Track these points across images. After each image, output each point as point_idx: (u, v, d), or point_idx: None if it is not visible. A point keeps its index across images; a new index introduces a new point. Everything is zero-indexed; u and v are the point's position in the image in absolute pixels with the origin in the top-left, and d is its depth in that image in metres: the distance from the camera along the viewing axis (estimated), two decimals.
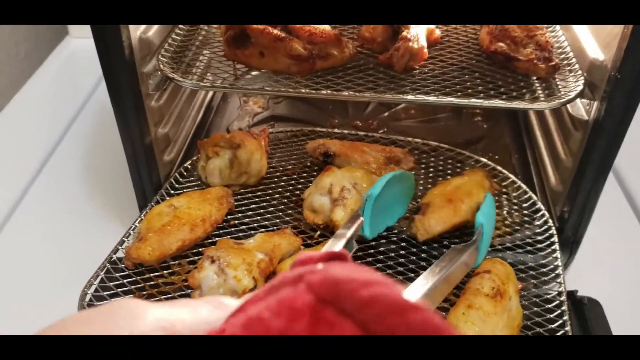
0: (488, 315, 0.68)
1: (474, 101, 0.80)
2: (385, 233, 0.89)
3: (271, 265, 0.76)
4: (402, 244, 0.88)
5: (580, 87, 0.83)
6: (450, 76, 0.87)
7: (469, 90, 0.83)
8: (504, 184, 1.01)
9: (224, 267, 0.71)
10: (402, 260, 0.85)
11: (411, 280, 0.80)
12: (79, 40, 1.60)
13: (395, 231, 0.90)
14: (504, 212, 0.96)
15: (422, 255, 0.86)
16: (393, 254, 0.86)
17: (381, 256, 0.85)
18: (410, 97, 0.81)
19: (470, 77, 0.87)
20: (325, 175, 0.88)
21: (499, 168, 1.04)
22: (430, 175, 1.03)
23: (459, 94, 0.82)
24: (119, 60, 0.80)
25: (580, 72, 0.86)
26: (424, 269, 0.82)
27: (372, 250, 0.86)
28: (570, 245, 0.92)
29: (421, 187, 1.00)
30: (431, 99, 0.80)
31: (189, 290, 0.76)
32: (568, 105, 0.90)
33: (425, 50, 0.86)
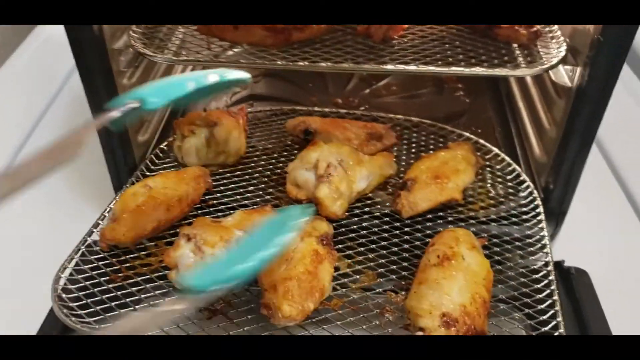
0: (438, 284, 0.66)
1: (454, 69, 0.78)
2: (368, 209, 0.87)
3: None
4: (385, 218, 0.86)
5: (563, 53, 0.81)
6: (430, 46, 0.85)
7: (450, 59, 0.81)
8: (487, 157, 0.99)
9: (200, 245, 0.68)
10: (386, 235, 0.83)
11: (390, 258, 0.78)
12: (51, 27, 1.55)
13: (378, 206, 0.88)
14: (488, 185, 0.94)
15: (406, 229, 0.84)
16: (376, 229, 0.84)
17: (364, 231, 0.83)
18: (390, 66, 0.79)
19: (451, 46, 0.85)
20: (311, 149, 0.85)
21: (482, 141, 1.03)
22: (413, 151, 1.02)
23: (440, 63, 0.80)
24: (88, 36, 0.77)
25: (562, 37, 0.85)
26: (408, 242, 0.81)
27: (354, 226, 0.84)
28: (556, 216, 0.91)
29: (404, 163, 0.98)
30: (412, 68, 0.78)
31: (166, 271, 0.73)
32: (551, 73, 0.88)
33: None
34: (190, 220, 0.81)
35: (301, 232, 0.75)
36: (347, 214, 0.85)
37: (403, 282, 0.76)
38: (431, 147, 1.02)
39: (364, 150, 0.95)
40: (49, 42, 1.51)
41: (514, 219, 0.87)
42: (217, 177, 0.92)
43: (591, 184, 0.92)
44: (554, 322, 0.70)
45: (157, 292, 0.72)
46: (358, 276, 0.77)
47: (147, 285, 0.73)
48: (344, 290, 0.74)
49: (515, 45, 0.87)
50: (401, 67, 0.78)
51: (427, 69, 0.78)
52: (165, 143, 0.99)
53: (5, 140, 1.16)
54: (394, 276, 0.77)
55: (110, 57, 0.82)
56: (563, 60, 0.81)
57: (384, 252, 0.80)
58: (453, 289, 0.66)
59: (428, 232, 0.83)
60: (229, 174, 0.94)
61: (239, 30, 0.82)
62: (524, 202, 0.91)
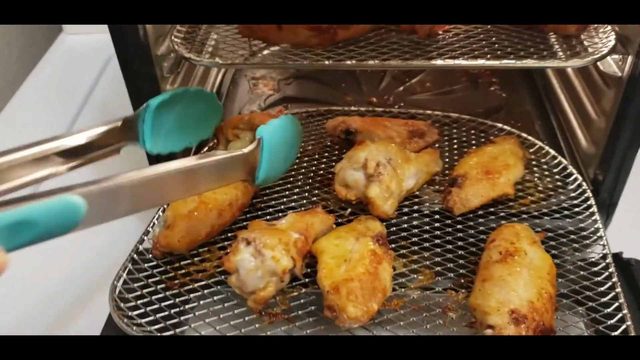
0: (504, 280, 0.65)
1: (505, 62, 0.77)
2: (416, 207, 0.86)
3: (307, 244, 0.73)
4: (435, 216, 0.85)
5: (612, 42, 0.80)
6: (475, 40, 0.84)
7: (498, 53, 0.80)
8: (531, 150, 0.98)
9: (260, 249, 0.67)
10: (438, 232, 0.82)
11: (445, 256, 0.77)
12: (74, 36, 1.55)
13: (427, 204, 0.87)
14: (535, 178, 0.93)
15: (458, 226, 0.83)
16: (427, 227, 0.83)
17: (415, 230, 0.82)
18: (439, 62, 0.78)
19: (497, 38, 0.83)
20: (359, 149, 0.84)
21: (525, 135, 1.01)
22: (455, 147, 1.00)
23: (489, 56, 0.79)
24: (134, 44, 0.77)
25: (609, 27, 0.83)
26: (462, 240, 0.80)
27: (405, 225, 0.83)
28: (607, 207, 0.89)
29: (447, 160, 0.96)
30: (462, 62, 0.77)
31: (222, 277, 0.73)
32: (598, 63, 0.87)
33: None
34: (243, 224, 0.81)
35: (354, 232, 0.75)
36: (396, 212, 0.84)
37: (462, 280, 0.75)
38: (473, 142, 1.01)
39: (406, 148, 0.94)
40: (72, 50, 1.51)
41: (566, 212, 0.86)
42: None
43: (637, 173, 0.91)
44: (619, 315, 0.68)
45: (215, 298, 0.72)
46: (415, 275, 0.76)
47: (205, 291, 0.73)
48: (402, 290, 0.73)
49: (553, 36, 0.86)
50: (451, 62, 0.77)
51: (477, 63, 0.77)
52: (206, 148, 0.98)
53: None
54: (451, 274, 0.75)
55: (155, 62, 0.81)
56: (613, 50, 0.79)
57: (439, 250, 0.79)
58: (519, 285, 0.65)
59: (481, 228, 0.82)
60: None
61: (283, 30, 0.81)
62: (573, 194, 0.89)
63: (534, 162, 0.96)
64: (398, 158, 0.84)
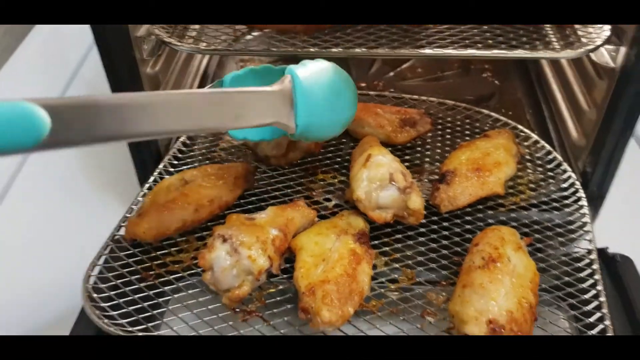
0: (484, 288, 0.63)
1: (496, 52, 0.75)
2: None
3: (286, 241, 0.71)
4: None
5: (607, 33, 0.78)
6: (467, 28, 0.81)
7: (489, 42, 0.78)
8: (525, 143, 0.95)
9: (236, 247, 0.65)
10: (423, 229, 0.79)
11: (428, 256, 0.75)
12: None
13: None
14: (528, 173, 0.90)
15: (444, 223, 0.80)
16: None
17: (399, 226, 0.79)
18: (428, 51, 0.75)
19: (489, 27, 0.81)
20: (371, 167, 0.76)
21: (520, 127, 0.97)
22: (448, 136, 0.98)
23: (480, 45, 0.76)
24: (111, 24, 0.74)
25: None
26: (447, 238, 0.78)
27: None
28: (595, 200, 0.87)
29: (438, 150, 0.94)
30: (452, 52, 0.75)
31: (199, 269, 0.70)
32: (591, 54, 0.84)
33: None
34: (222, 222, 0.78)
35: (336, 228, 0.73)
36: None
37: (444, 282, 0.73)
38: (467, 132, 0.98)
39: (397, 137, 0.91)
40: (57, 32, 1.47)
41: (554, 205, 0.84)
42: None
43: (628, 167, 0.89)
44: (598, 314, 0.67)
45: (190, 292, 0.70)
46: (396, 275, 0.74)
47: (180, 283, 0.71)
48: (382, 290, 0.71)
49: (547, 26, 0.84)
50: (440, 51, 0.75)
51: (466, 53, 0.75)
52: None
53: None
54: (433, 275, 0.73)
55: (133, 45, 0.79)
56: (607, 41, 0.77)
57: (422, 248, 0.76)
58: (500, 294, 0.62)
59: (467, 226, 0.79)
60: (259, 168, 0.90)
61: None
62: (562, 187, 0.87)
63: (527, 156, 0.93)
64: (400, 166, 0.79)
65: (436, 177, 0.85)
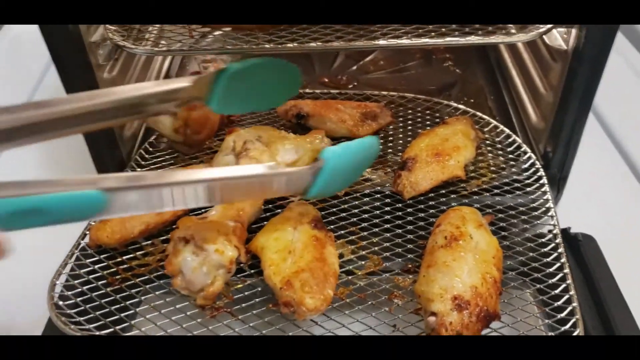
0: (447, 266, 0.64)
1: (449, 40, 0.75)
2: (367, 191, 0.85)
3: (244, 230, 0.71)
4: (386, 200, 0.83)
5: None
6: None
7: (443, 30, 0.78)
8: (485, 129, 0.97)
9: (201, 244, 0.65)
10: (388, 217, 0.80)
11: (394, 241, 0.76)
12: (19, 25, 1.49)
13: (378, 187, 0.86)
14: (489, 158, 0.92)
15: (409, 210, 0.81)
16: (378, 212, 0.81)
17: (365, 215, 0.81)
18: (382, 42, 0.75)
19: None
20: (227, 136, 0.83)
21: (479, 114, 1.00)
22: (409, 128, 0.99)
23: (433, 34, 0.77)
24: (62, 30, 0.73)
25: None
26: (412, 223, 0.79)
27: (355, 210, 0.82)
28: (557, 182, 0.89)
29: (400, 142, 0.95)
30: (405, 41, 0.75)
31: (165, 270, 0.70)
32: (544, 37, 0.86)
33: None
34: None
35: (290, 221, 0.73)
36: (346, 197, 0.83)
37: (410, 265, 0.74)
38: (427, 122, 1.00)
39: (359, 131, 0.92)
40: (20, 39, 1.45)
41: (518, 187, 0.85)
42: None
43: (588, 149, 0.91)
44: (566, 296, 0.68)
45: (157, 293, 0.70)
46: (363, 262, 0.75)
47: (147, 286, 0.71)
48: (349, 277, 0.72)
49: None
50: (394, 41, 0.75)
51: (420, 42, 0.75)
52: (154, 136, 0.96)
53: None
54: (399, 259, 0.75)
55: (88, 50, 0.78)
56: None
57: (388, 235, 0.78)
58: (463, 271, 0.64)
59: (431, 211, 0.81)
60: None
61: None
62: (525, 170, 0.89)
63: (487, 141, 0.95)
64: (269, 136, 0.83)
65: (396, 168, 0.86)
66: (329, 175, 0.65)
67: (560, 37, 0.82)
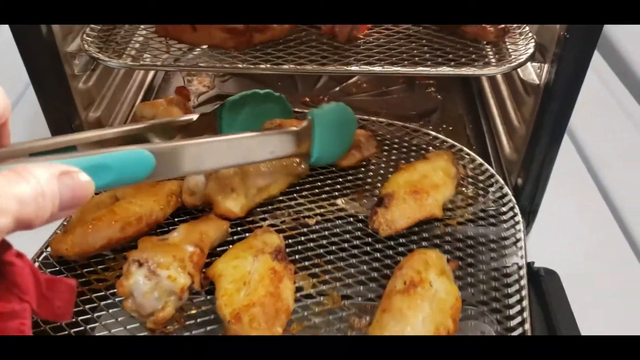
0: (402, 314, 0.63)
1: (420, 69, 0.76)
2: (339, 222, 0.83)
3: (203, 256, 0.71)
4: (357, 233, 0.81)
5: (531, 50, 0.80)
6: (396, 45, 0.83)
7: (416, 59, 0.79)
8: (461, 162, 0.95)
9: (154, 269, 0.64)
10: (355, 251, 0.78)
11: (357, 278, 0.75)
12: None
13: (350, 219, 0.84)
14: (468, 192, 0.90)
15: (378, 245, 0.79)
16: (346, 245, 0.79)
17: (333, 247, 0.78)
18: (354, 68, 0.76)
19: (418, 44, 0.82)
20: None
21: (458, 145, 0.98)
22: (385, 155, 0.97)
23: (406, 62, 0.78)
24: (37, 39, 0.74)
25: (530, 34, 0.83)
26: (378, 261, 0.77)
27: (323, 241, 0.79)
28: (527, 215, 0.89)
29: (379, 171, 0.93)
30: (376, 69, 0.76)
31: (117, 291, 0.68)
32: (519, 70, 0.87)
33: None
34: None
35: (252, 249, 0.72)
36: (316, 226, 0.81)
37: (368, 306, 0.72)
38: (404, 150, 0.97)
39: (342, 161, 0.90)
40: (7, 45, 1.45)
41: (490, 219, 0.85)
42: None
43: (564, 181, 0.91)
44: (521, 330, 0.68)
45: (110, 311, 0.69)
46: (322, 298, 0.73)
47: (101, 303, 0.70)
48: (305, 313, 0.70)
49: (484, 42, 0.85)
50: (366, 68, 0.76)
51: (392, 70, 0.76)
52: None
53: None
54: (359, 298, 0.73)
55: (62, 60, 0.78)
56: (531, 58, 0.79)
57: (352, 270, 0.75)
58: (417, 319, 0.63)
59: (400, 249, 0.78)
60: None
61: (197, 31, 0.79)
62: (498, 201, 0.88)
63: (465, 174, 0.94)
64: None
65: (375, 198, 0.85)
66: (322, 131, 0.77)
67: (534, 71, 0.83)
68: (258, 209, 0.84)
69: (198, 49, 0.85)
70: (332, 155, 0.85)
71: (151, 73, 1.17)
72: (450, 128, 1.09)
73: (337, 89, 1.21)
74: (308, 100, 1.17)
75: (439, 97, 1.20)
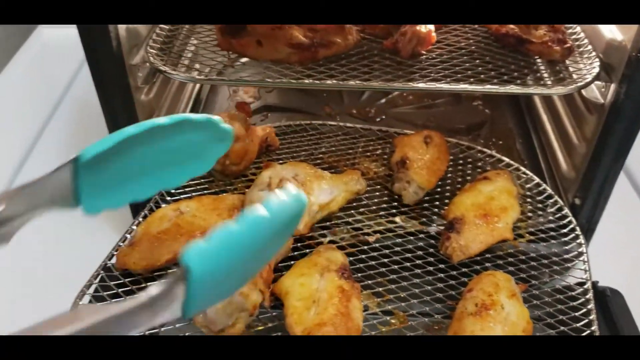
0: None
1: (488, 87, 0.76)
2: (399, 240, 0.82)
3: (270, 271, 0.71)
4: (419, 252, 0.80)
5: (597, 70, 0.79)
6: (459, 61, 0.82)
7: (481, 76, 0.79)
8: (519, 181, 0.94)
9: None
10: (419, 271, 0.77)
11: (422, 299, 0.74)
12: (51, 29, 1.50)
13: (411, 238, 0.83)
14: (522, 208, 0.89)
15: (441, 266, 0.78)
16: (409, 264, 0.78)
17: (395, 266, 0.78)
18: (421, 84, 0.76)
19: (481, 61, 0.82)
20: (264, 170, 0.83)
21: (514, 164, 0.96)
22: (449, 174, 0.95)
23: (472, 80, 0.77)
24: (106, 52, 0.74)
25: (594, 53, 0.82)
26: (442, 281, 0.77)
27: (385, 260, 0.78)
28: (585, 234, 0.88)
29: (438, 190, 0.91)
30: (444, 86, 0.75)
31: None
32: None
33: (433, 34, 0.81)
34: None
35: (317, 266, 0.71)
36: (376, 244, 0.81)
37: (436, 327, 0.72)
38: (459, 168, 0.96)
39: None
40: (49, 45, 1.46)
41: (550, 240, 0.84)
42: None
43: (616, 198, 0.90)
44: None
45: (177, 326, 0.69)
46: (388, 317, 0.72)
47: None
48: (373, 332, 0.70)
49: (538, 60, 0.85)
50: (433, 85, 0.76)
51: (459, 87, 0.76)
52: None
53: (8, 152, 1.11)
54: (426, 319, 0.72)
55: (128, 72, 0.79)
56: (597, 77, 0.78)
57: (416, 290, 0.75)
58: None
59: (464, 269, 0.78)
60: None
61: (262, 46, 0.79)
62: (556, 221, 0.87)
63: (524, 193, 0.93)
64: (305, 175, 0.82)
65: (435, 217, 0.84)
66: (202, 284, 0.41)
67: (597, 90, 0.82)
68: (316, 225, 0.84)
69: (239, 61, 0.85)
70: (235, 287, 0.51)
71: (198, 85, 1.18)
72: (500, 142, 1.09)
73: (383, 100, 1.21)
74: (355, 112, 1.17)
75: (486, 110, 1.19)
